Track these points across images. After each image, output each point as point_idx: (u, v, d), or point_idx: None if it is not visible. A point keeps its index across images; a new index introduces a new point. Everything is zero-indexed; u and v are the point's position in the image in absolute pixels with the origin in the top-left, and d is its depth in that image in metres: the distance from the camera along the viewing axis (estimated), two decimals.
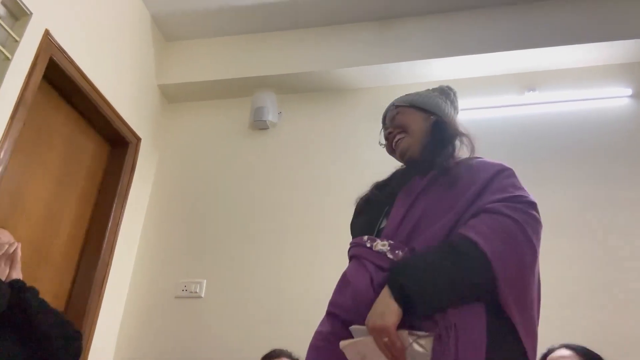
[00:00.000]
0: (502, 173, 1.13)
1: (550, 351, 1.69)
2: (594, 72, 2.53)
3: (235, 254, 2.48)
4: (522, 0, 2.61)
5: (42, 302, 1.41)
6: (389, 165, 2.46)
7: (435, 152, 1.22)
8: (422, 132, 1.29)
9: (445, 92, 1.41)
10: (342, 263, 2.35)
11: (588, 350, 1.63)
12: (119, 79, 2.54)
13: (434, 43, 2.64)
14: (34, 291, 1.41)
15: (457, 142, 1.28)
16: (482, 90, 2.60)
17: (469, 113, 2.59)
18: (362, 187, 2.45)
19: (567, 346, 1.67)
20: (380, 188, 1.34)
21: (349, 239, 2.48)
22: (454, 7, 2.69)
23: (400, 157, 1.34)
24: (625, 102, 2.45)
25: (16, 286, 1.37)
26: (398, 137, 1.32)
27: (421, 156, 1.25)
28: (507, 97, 2.58)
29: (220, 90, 2.91)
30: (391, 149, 1.36)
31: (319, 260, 2.36)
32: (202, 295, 2.41)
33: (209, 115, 2.95)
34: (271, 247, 2.46)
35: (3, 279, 1.39)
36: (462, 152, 1.27)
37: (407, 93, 1.43)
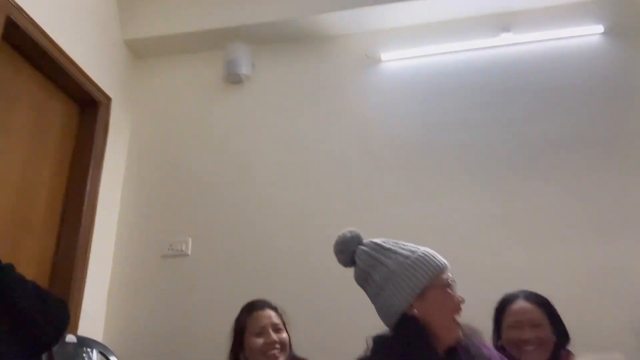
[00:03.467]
0: None
1: (508, 301, 1.62)
2: (566, 10, 2.52)
3: (219, 210, 2.49)
4: None
5: (19, 279, 1.37)
6: (370, 113, 2.47)
7: None
8: None
9: None
10: (327, 217, 2.40)
11: (548, 302, 1.60)
12: (82, 35, 2.42)
13: None
14: (9, 268, 1.36)
15: None
16: (457, 33, 2.58)
17: (443, 57, 2.58)
18: (345, 138, 2.46)
19: (527, 297, 1.60)
20: None
21: (332, 191, 2.52)
22: None
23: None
24: (597, 39, 2.46)
25: None
26: None
27: None
28: (482, 40, 2.56)
29: (190, 43, 2.80)
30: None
31: (303, 214, 2.38)
32: (189, 253, 2.43)
33: (180, 71, 2.85)
34: (254, 202, 2.47)
35: None
36: None
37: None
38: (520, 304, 1.58)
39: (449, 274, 1.18)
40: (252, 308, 1.77)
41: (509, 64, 2.50)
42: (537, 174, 2.25)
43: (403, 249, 1.19)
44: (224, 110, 2.71)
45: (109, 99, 2.59)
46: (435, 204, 2.28)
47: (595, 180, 2.18)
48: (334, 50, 2.72)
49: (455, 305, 1.15)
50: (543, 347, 1.51)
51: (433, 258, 1.17)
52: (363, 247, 1.23)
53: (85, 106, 2.51)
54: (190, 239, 2.45)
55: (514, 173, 2.27)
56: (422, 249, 1.20)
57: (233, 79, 2.73)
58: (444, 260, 1.18)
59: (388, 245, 1.20)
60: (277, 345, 1.68)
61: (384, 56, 2.62)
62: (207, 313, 2.29)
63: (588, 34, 2.47)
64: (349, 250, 1.24)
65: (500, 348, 1.53)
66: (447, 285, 1.16)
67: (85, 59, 2.41)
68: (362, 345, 1.38)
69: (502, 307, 1.62)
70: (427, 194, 2.31)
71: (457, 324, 1.15)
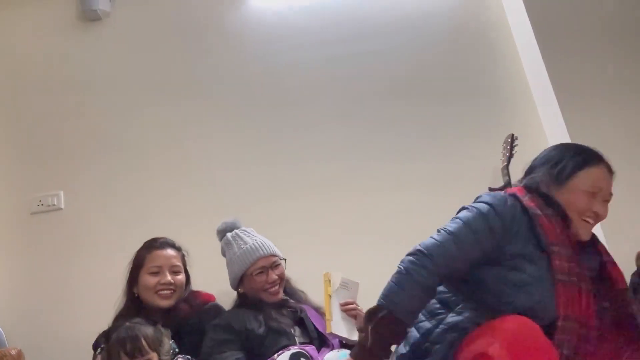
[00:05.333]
0: None
1: (593, 159, 1.28)
2: None
3: (89, 158, 2.36)
4: None
5: None
6: (245, 51, 2.41)
7: None
8: None
9: None
10: (204, 154, 2.38)
11: None
12: None
13: None
14: None
15: None
16: None
17: None
18: (217, 75, 2.39)
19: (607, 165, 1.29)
20: None
21: (207, 130, 2.48)
22: None
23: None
24: None
25: None
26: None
27: None
28: None
29: None
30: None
31: (177, 153, 2.34)
32: (62, 207, 2.30)
33: (27, 8, 2.56)
34: (127, 146, 2.37)
35: None
36: None
37: None
38: (603, 170, 1.29)
39: (267, 260, 1.68)
40: (152, 246, 1.74)
41: None
42: (400, 103, 2.35)
43: (238, 245, 1.71)
44: (83, 53, 2.51)
45: None
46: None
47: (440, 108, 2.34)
48: None
49: (262, 286, 1.67)
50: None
51: (252, 253, 1.68)
52: (223, 240, 1.79)
53: None
54: (62, 192, 2.31)
55: (381, 99, 2.38)
56: (251, 243, 1.70)
57: (90, 16, 2.53)
58: (261, 253, 1.68)
59: (230, 239, 1.75)
60: (171, 287, 1.68)
61: None
62: (89, 266, 2.20)
63: None
64: (219, 237, 1.81)
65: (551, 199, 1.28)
66: (257, 272, 1.67)
67: None
68: None
69: (581, 164, 1.28)
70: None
71: (270, 293, 1.67)
